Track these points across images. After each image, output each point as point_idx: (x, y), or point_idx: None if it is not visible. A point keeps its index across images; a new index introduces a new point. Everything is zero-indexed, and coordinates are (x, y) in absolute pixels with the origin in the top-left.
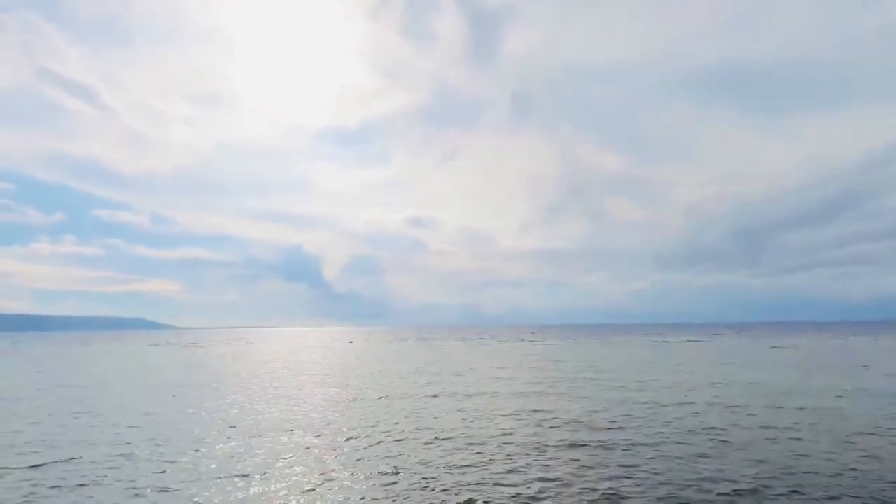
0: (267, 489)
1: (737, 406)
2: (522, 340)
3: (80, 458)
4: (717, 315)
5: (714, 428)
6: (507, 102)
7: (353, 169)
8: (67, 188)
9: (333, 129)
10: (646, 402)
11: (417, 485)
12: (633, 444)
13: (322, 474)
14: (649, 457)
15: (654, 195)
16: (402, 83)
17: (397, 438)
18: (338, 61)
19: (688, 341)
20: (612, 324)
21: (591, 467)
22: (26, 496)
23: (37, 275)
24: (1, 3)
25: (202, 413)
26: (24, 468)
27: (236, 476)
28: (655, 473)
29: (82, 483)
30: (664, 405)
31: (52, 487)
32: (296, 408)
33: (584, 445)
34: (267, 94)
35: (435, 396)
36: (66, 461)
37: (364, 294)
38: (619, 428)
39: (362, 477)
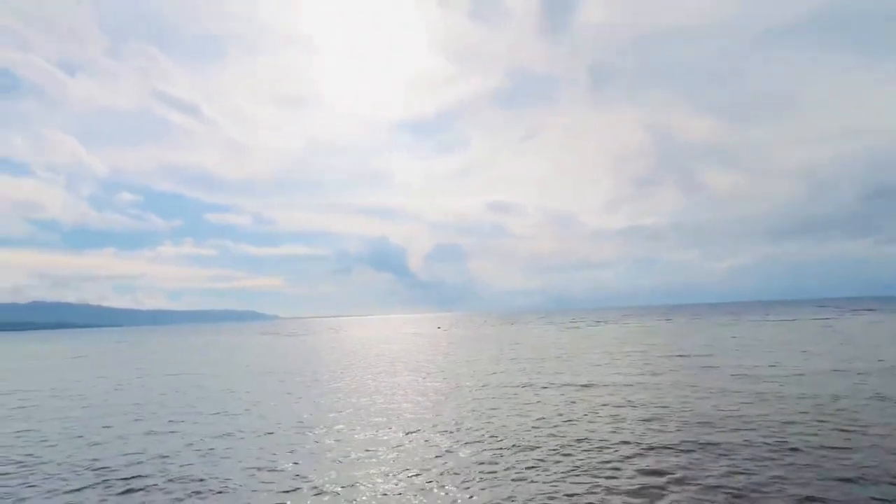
0: (379, 483)
1: (887, 397)
2: (615, 323)
3: (195, 441)
4: (839, 289)
5: (860, 421)
6: (585, 75)
7: (433, 158)
8: (181, 196)
9: (410, 119)
10: (775, 394)
11: (530, 490)
12: (771, 445)
13: (434, 468)
14: (788, 464)
15: (756, 160)
16: (475, 67)
17: (502, 433)
18: (411, 52)
19: (812, 319)
20: (711, 303)
21: (719, 473)
22: (142, 488)
23: (163, 274)
24: (120, 35)
25: (306, 401)
26: (152, 457)
27: (340, 466)
28: (799, 484)
29: (194, 465)
30: (797, 397)
31: (176, 469)
32: (396, 397)
33: (705, 446)
34: (345, 90)
35: (531, 385)
36: (181, 445)
37: (448, 281)
38: (748, 425)
39: (471, 475)
